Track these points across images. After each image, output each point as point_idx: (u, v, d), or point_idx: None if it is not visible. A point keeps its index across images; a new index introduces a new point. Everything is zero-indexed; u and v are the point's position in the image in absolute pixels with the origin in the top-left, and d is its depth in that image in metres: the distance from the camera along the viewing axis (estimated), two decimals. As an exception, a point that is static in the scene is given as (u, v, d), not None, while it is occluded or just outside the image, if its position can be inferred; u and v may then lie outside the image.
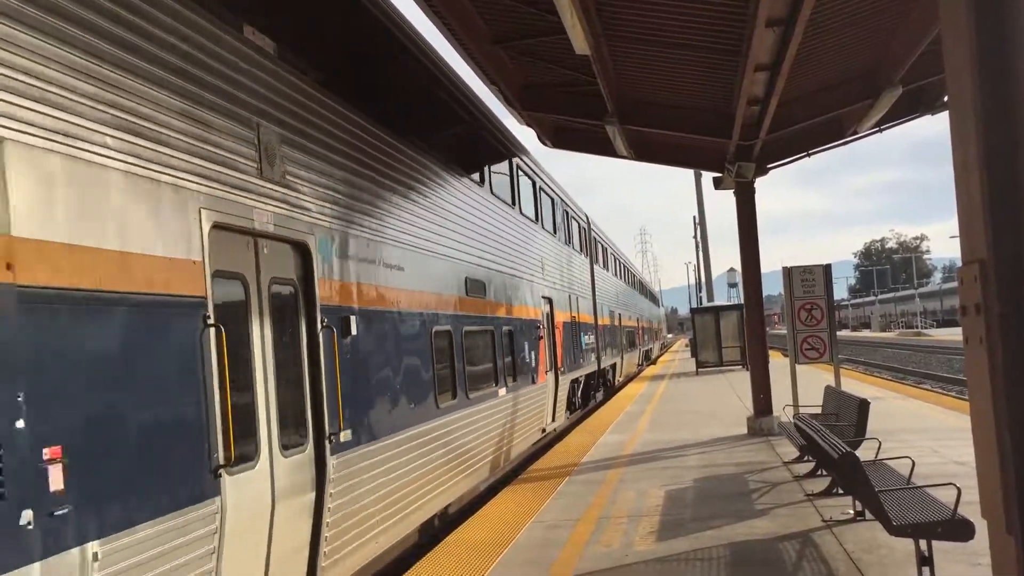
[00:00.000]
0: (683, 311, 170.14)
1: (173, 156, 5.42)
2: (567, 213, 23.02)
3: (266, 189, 6.55)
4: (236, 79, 6.31)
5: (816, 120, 14.87)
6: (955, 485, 6.34)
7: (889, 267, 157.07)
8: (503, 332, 14.18)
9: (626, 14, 11.00)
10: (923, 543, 6.34)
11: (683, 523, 9.27)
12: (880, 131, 15.92)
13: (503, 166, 15.87)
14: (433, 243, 10.82)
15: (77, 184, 4.61)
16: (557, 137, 17.14)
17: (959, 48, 3.47)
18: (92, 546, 4.38)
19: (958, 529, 6.21)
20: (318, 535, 6.94)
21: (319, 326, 7.19)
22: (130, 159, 5.04)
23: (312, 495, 6.91)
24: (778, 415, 15.41)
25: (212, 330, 5.58)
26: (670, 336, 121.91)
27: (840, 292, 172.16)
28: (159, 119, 5.34)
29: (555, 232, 20.75)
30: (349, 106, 8.43)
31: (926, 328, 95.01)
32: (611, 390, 30.29)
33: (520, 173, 17.15)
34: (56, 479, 4.19)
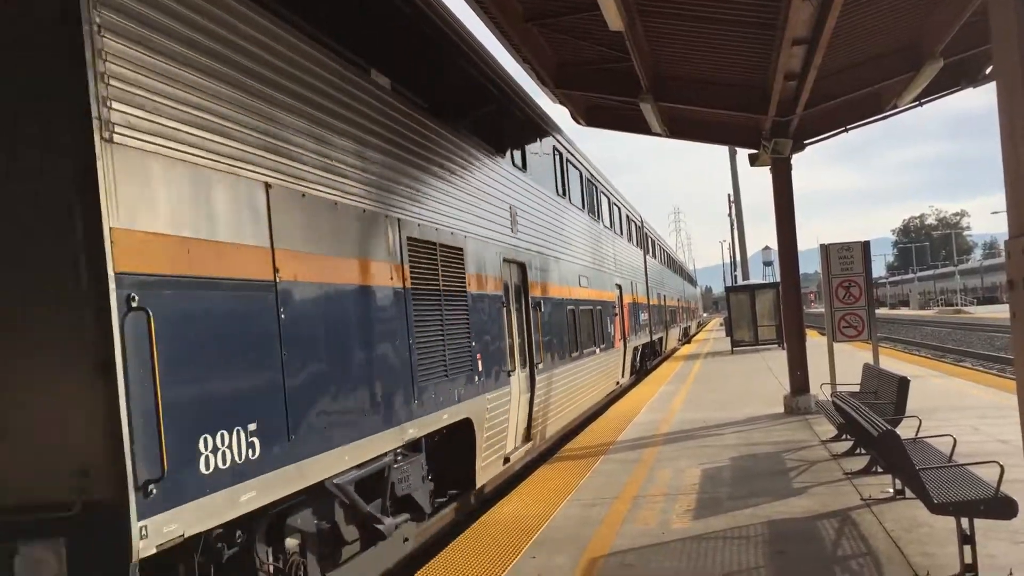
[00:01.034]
0: (717, 290, 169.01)
1: (493, 230, 11.70)
2: (628, 217, 28.74)
3: (512, 239, 12.81)
4: (497, 178, 12.20)
5: (854, 95, 14.64)
6: (998, 463, 6.25)
7: (928, 244, 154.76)
8: (597, 311, 19.87)
9: (660, -11, 10.88)
10: (964, 521, 6.27)
11: (720, 501, 9.24)
12: (920, 105, 15.63)
13: (592, 191, 21.52)
14: (570, 255, 17.30)
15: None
16: (590, 115, 17.03)
17: (1006, 16, 3.39)
18: (486, 394, 10.51)
19: (1001, 507, 6.13)
20: (531, 409, 13.12)
21: (531, 306, 13.34)
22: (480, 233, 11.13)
23: (529, 393, 13.00)
24: (815, 394, 15.29)
25: (505, 308, 11.89)
26: (705, 315, 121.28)
27: (878, 270, 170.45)
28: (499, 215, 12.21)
29: (622, 234, 26.46)
30: (540, 190, 15.19)
31: (966, 306, 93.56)
32: (661, 357, 36.04)
33: (602, 194, 22.97)
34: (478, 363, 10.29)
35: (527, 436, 12.92)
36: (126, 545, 4.29)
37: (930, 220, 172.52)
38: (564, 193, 17.31)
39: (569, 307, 16.44)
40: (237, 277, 5.43)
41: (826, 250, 15.23)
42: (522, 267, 13.09)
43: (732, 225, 70.65)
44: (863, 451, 10.70)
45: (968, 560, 6.28)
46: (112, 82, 4.49)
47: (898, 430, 7.22)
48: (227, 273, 5.32)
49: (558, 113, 17.69)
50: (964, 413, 13.76)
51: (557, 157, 17.14)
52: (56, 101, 4.38)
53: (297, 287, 6.06)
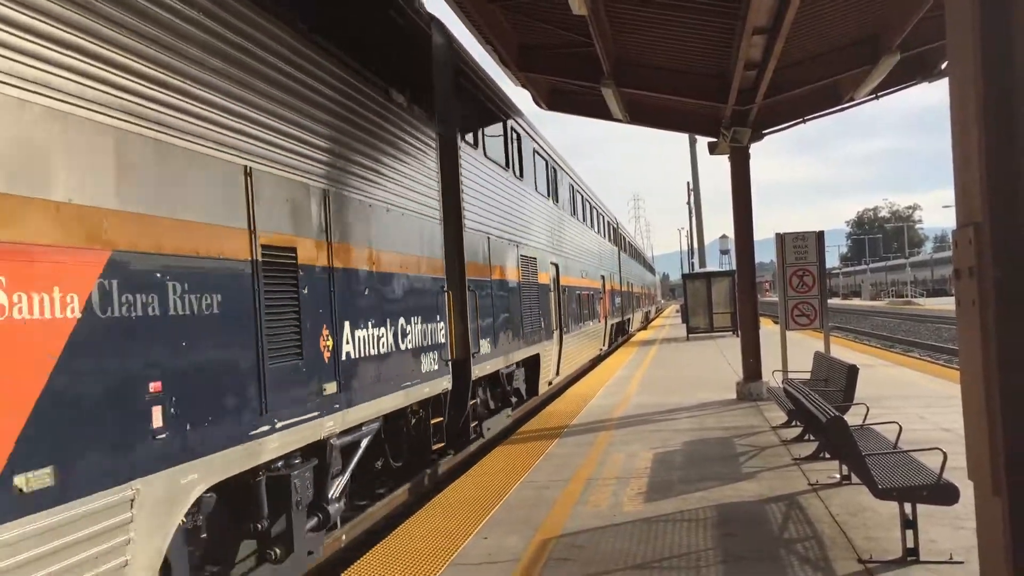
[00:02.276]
0: (675, 277, 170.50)
1: (546, 247, 19.36)
2: (609, 223, 36.24)
3: (555, 251, 20.18)
4: (551, 213, 20.41)
5: (813, 86, 14.80)
6: (941, 450, 6.39)
7: (881, 236, 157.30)
8: (592, 295, 27.30)
9: (624, -26, 10.87)
10: (908, 506, 6.41)
11: (671, 485, 9.35)
12: (877, 98, 15.87)
13: (587, 208, 28.68)
14: (578, 256, 24.72)
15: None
16: (552, 99, 17.02)
17: (961, 9, 3.45)
18: (543, 343, 17.94)
19: (943, 493, 6.28)
20: (559, 358, 19.97)
21: (561, 292, 20.39)
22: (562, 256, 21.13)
23: (559, 345, 19.88)
24: (767, 380, 15.51)
25: (552, 292, 19.32)
26: (662, 301, 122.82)
27: (832, 260, 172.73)
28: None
29: (605, 236, 33.74)
30: (571, 218, 24.01)
31: (916, 297, 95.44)
32: (627, 335, 43.08)
33: (593, 208, 30.37)
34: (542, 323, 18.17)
35: (557, 371, 20.21)
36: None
37: (883, 213, 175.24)
38: (572, 212, 24.92)
39: (577, 292, 23.94)
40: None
41: (781, 238, 15.40)
42: (556, 266, 20.25)
43: (691, 213, 71.25)
44: (812, 437, 10.88)
45: (910, 544, 6.43)
46: None
47: (846, 417, 7.35)
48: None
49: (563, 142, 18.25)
50: (911, 401, 14.06)
51: (579, 195, 26.51)
52: None
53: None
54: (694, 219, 67.88)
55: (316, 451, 7.12)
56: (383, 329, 8.59)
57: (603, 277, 30.53)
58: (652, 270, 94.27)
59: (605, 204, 35.72)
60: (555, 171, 21.41)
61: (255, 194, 6.11)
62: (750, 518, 7.91)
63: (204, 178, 5.52)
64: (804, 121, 16.65)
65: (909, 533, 6.44)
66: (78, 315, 4.30)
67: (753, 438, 11.94)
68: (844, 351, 23.40)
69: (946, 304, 63.40)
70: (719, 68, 14.12)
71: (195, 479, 5.17)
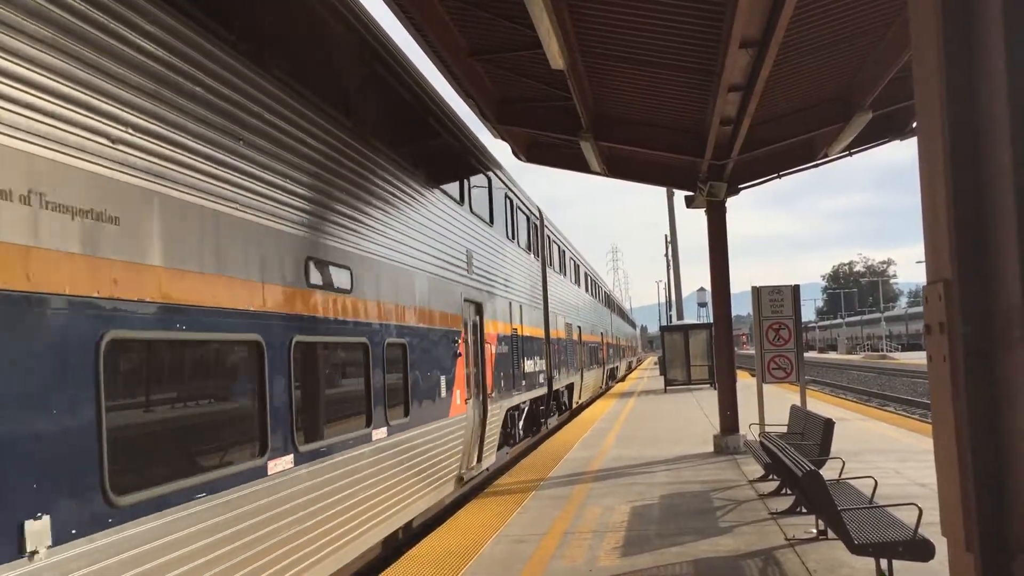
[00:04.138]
0: (652, 329, 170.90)
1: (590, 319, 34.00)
2: (606, 293, 46.11)
3: (577, 317, 30.49)
4: (568, 290, 28.80)
5: (788, 141, 15.04)
6: (916, 505, 6.39)
7: (856, 290, 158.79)
8: (596, 347, 36.99)
9: (602, 31, 11.07)
10: (884, 562, 6.39)
11: (648, 539, 9.27)
12: (850, 155, 16.13)
13: (587, 279, 35.34)
14: (588, 319, 34.63)
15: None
16: (531, 152, 17.18)
17: (928, 68, 3.53)
18: (574, 376, 28.58)
19: (919, 548, 6.26)
20: (582, 387, 30.96)
21: (581, 344, 31.28)
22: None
23: (581, 379, 30.48)
24: (744, 434, 15.49)
25: (578, 345, 30.04)
26: (642, 353, 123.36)
27: (808, 314, 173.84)
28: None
29: (602, 302, 43.13)
30: (576, 289, 31.93)
31: (891, 351, 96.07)
32: (617, 379, 52.22)
33: (591, 279, 37.58)
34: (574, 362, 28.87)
35: (580, 396, 27.56)
36: None
37: (858, 267, 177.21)
38: (584, 287, 31.47)
39: (589, 345, 32.41)
40: None
41: (758, 292, 15.50)
42: (579, 328, 29.02)
43: (668, 265, 71.61)
44: (789, 491, 10.85)
45: (887, 600, 6.40)
46: None
47: (822, 471, 7.35)
48: None
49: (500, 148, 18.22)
50: (887, 456, 14.08)
51: (585, 273, 33.27)
52: None
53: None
54: (671, 272, 68.22)
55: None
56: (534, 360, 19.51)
57: (602, 334, 40.62)
58: (633, 324, 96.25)
59: (599, 274, 45.78)
60: (573, 261, 30.37)
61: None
62: (727, 574, 7.84)
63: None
64: (779, 176, 16.88)
65: (886, 589, 6.40)
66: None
67: (730, 492, 11.89)
68: (821, 405, 23.45)
69: (921, 358, 63.76)
70: (696, 123, 14.33)
71: (503, 405, 14.27)
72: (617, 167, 17.30)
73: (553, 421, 24.11)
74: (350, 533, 7.84)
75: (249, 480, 6.01)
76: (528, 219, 20.54)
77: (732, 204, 16.76)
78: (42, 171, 4.24)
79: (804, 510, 9.84)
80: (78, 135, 4.53)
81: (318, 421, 7.48)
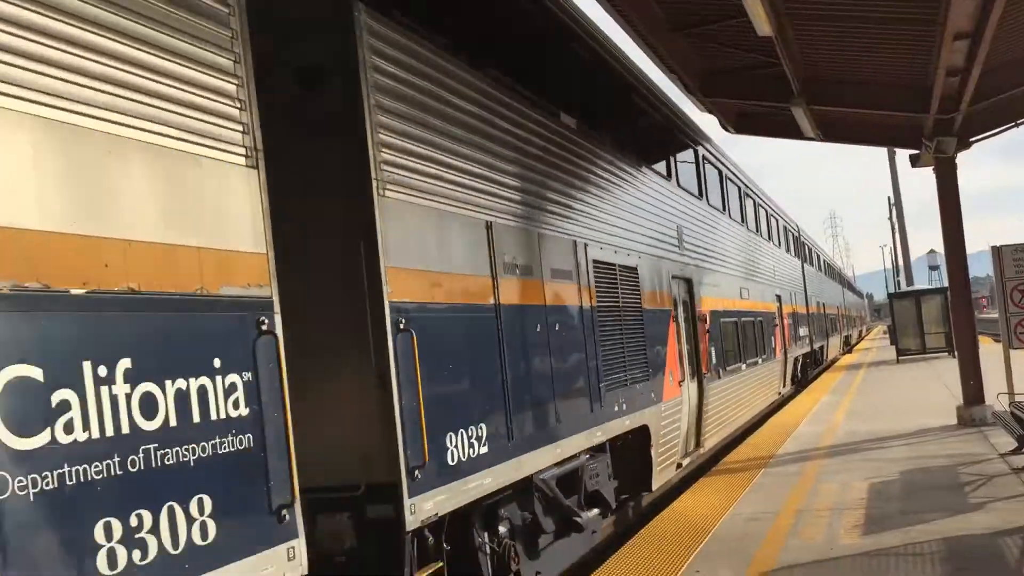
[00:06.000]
0: (879, 296, 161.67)
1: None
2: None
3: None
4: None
5: (1025, 87, 13.82)
6: None
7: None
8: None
9: (810, -9, 10.65)
10: None
11: (890, 516, 8.89)
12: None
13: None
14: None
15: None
16: (740, 122, 16.78)
17: None
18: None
19: None
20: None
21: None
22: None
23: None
24: (991, 404, 14.45)
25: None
26: (870, 321, 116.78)
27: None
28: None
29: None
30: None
31: None
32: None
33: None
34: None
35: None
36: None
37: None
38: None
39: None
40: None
41: (999, 251, 14.37)
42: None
43: (893, 229, 67.63)
44: (1048, 464, 10.05)
45: None
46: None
47: (1088, 441, 6.78)
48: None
49: (705, 120, 17.69)
50: None
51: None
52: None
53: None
54: (897, 235, 64.37)
55: None
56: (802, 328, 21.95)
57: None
58: (859, 294, 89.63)
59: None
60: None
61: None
62: (985, 553, 7.40)
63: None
64: (1016, 125, 15.52)
65: None
66: None
67: (979, 466, 11.16)
68: (1079, 370, 21.39)
69: None
70: (916, 77, 13.45)
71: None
72: (833, 131, 16.56)
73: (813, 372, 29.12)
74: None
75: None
76: (786, 229, 26.16)
77: (963, 158, 15.59)
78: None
79: (1067, 484, 9.10)
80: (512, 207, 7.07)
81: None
